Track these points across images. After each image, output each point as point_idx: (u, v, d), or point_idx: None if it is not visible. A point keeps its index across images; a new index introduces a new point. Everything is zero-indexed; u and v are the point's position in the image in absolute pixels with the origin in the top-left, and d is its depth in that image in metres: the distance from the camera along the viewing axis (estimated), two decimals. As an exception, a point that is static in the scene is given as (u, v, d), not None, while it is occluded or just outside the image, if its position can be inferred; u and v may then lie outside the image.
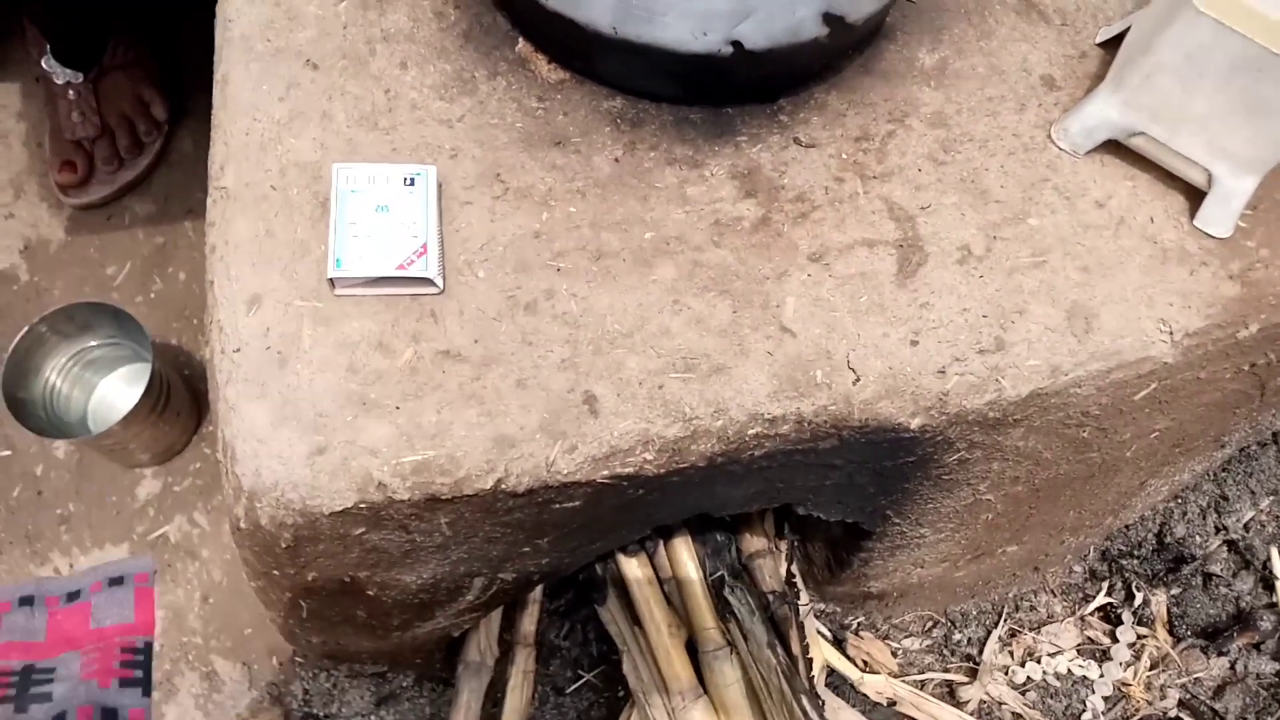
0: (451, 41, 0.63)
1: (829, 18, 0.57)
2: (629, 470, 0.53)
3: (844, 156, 0.62)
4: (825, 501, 0.65)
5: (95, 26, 0.98)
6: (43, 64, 1.02)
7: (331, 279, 0.53)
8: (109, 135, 1.04)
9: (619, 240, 0.58)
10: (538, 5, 0.58)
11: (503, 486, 0.51)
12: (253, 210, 0.57)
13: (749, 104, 0.63)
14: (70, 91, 1.03)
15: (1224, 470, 0.95)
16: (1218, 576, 0.94)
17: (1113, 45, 0.68)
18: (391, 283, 0.54)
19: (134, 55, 1.05)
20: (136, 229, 1.06)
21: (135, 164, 1.06)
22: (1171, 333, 0.59)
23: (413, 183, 0.55)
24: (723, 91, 0.62)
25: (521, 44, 0.63)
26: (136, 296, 1.03)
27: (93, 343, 0.92)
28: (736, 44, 0.56)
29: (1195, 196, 0.63)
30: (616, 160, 0.60)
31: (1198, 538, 0.93)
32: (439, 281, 0.54)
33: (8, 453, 0.96)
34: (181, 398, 0.93)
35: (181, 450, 0.96)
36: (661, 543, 0.84)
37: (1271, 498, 0.95)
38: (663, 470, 0.53)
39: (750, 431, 0.54)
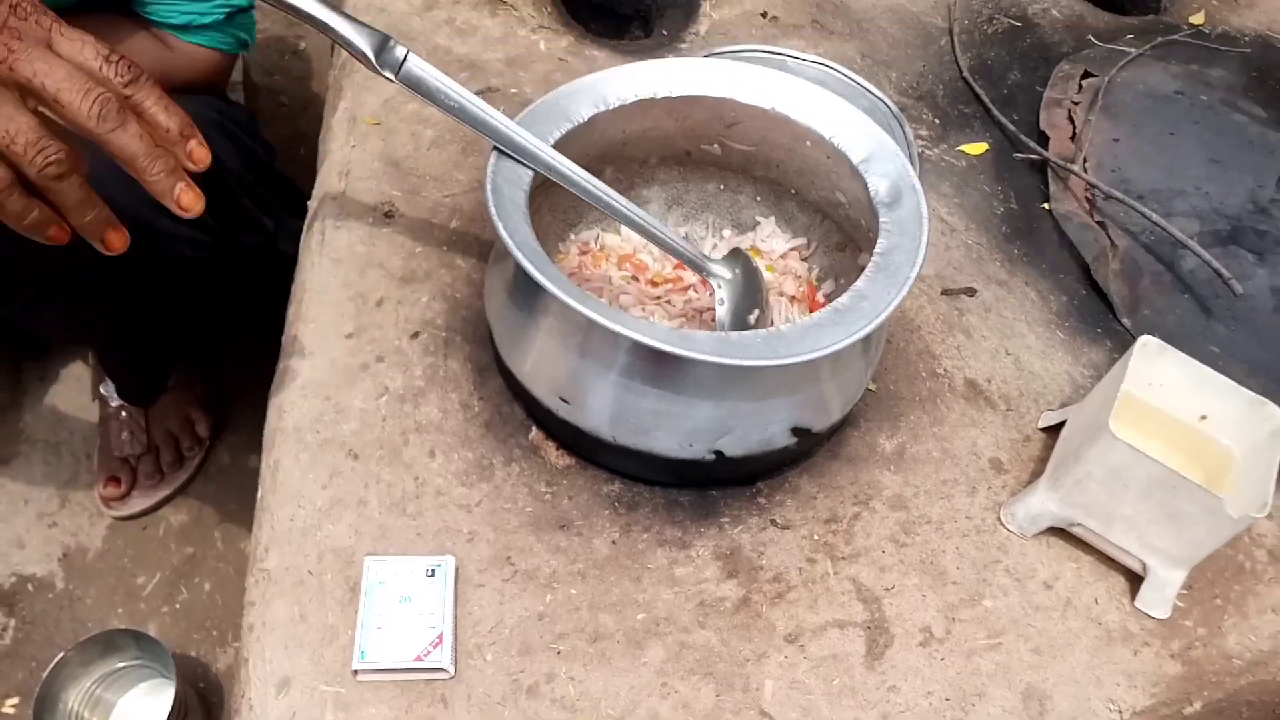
0: (474, 430, 0.73)
1: (797, 430, 0.66)
2: None
3: (815, 538, 0.70)
4: None
5: (158, 369, 1.11)
6: (101, 389, 1.14)
7: (356, 668, 0.59)
8: (154, 452, 1.14)
9: (614, 621, 0.65)
10: (542, 406, 0.68)
11: None
12: (290, 594, 0.64)
13: (731, 487, 0.72)
14: (123, 413, 1.14)
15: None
16: None
17: (1054, 431, 0.78)
18: (409, 669, 0.60)
19: (185, 379, 1.17)
20: (169, 539, 1.14)
21: (176, 478, 1.15)
22: (1120, 712, 0.64)
23: (433, 573, 0.63)
24: (707, 481, 0.71)
25: (534, 432, 0.73)
26: (162, 607, 1.09)
27: (118, 664, 0.97)
28: (718, 452, 0.65)
29: (1134, 577, 0.70)
30: (614, 542, 0.68)
31: None
32: (451, 669, 0.60)
33: (19, 768, 0.98)
34: (196, 715, 0.97)
35: (188, 768, 0.99)
36: None
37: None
38: None
39: (731, 820, 0.58)
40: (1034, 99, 1.07)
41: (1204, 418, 0.71)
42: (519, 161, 0.68)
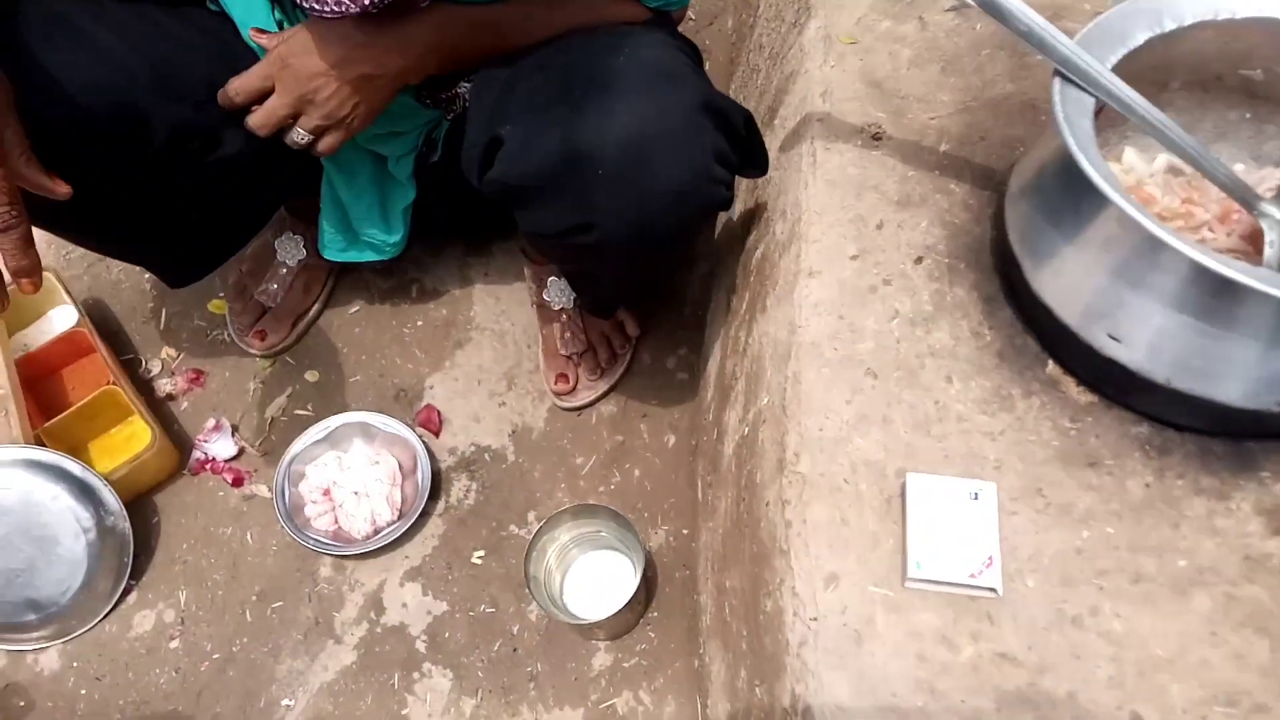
0: (988, 360, 0.74)
1: (1385, 387, 0.61)
2: (1175, 795, 0.58)
3: (1376, 502, 0.65)
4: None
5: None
6: (543, 295, 1.27)
7: (912, 577, 0.63)
8: (592, 351, 1.25)
9: (1154, 565, 0.64)
10: (1082, 343, 0.68)
11: (1057, 791, 0.58)
12: (828, 499, 0.69)
13: (1270, 440, 0.68)
14: (563, 315, 1.26)
15: None
16: None
17: None
18: (961, 585, 0.63)
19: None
20: (601, 427, 1.26)
21: (611, 374, 1.26)
22: None
23: (977, 497, 0.65)
24: (1252, 434, 0.68)
25: (1051, 366, 0.73)
26: (599, 486, 1.21)
27: (586, 530, 1.10)
28: (1287, 405, 0.62)
29: None
30: (1147, 486, 0.67)
31: None
32: (999, 589, 0.63)
33: (492, 610, 1.15)
34: (643, 591, 1.08)
35: (630, 630, 1.11)
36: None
37: None
38: (1208, 801, 0.58)
39: (1300, 779, 0.57)
40: None
41: None
42: (1080, 87, 0.66)
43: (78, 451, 1.22)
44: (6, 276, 0.77)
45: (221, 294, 1.38)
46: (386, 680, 1.11)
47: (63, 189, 0.79)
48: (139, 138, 0.89)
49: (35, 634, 1.16)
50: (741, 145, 0.87)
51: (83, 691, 1.14)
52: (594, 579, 1.11)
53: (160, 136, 0.90)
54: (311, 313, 1.36)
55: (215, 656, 1.15)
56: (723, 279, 1.14)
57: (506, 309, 1.37)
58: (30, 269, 0.76)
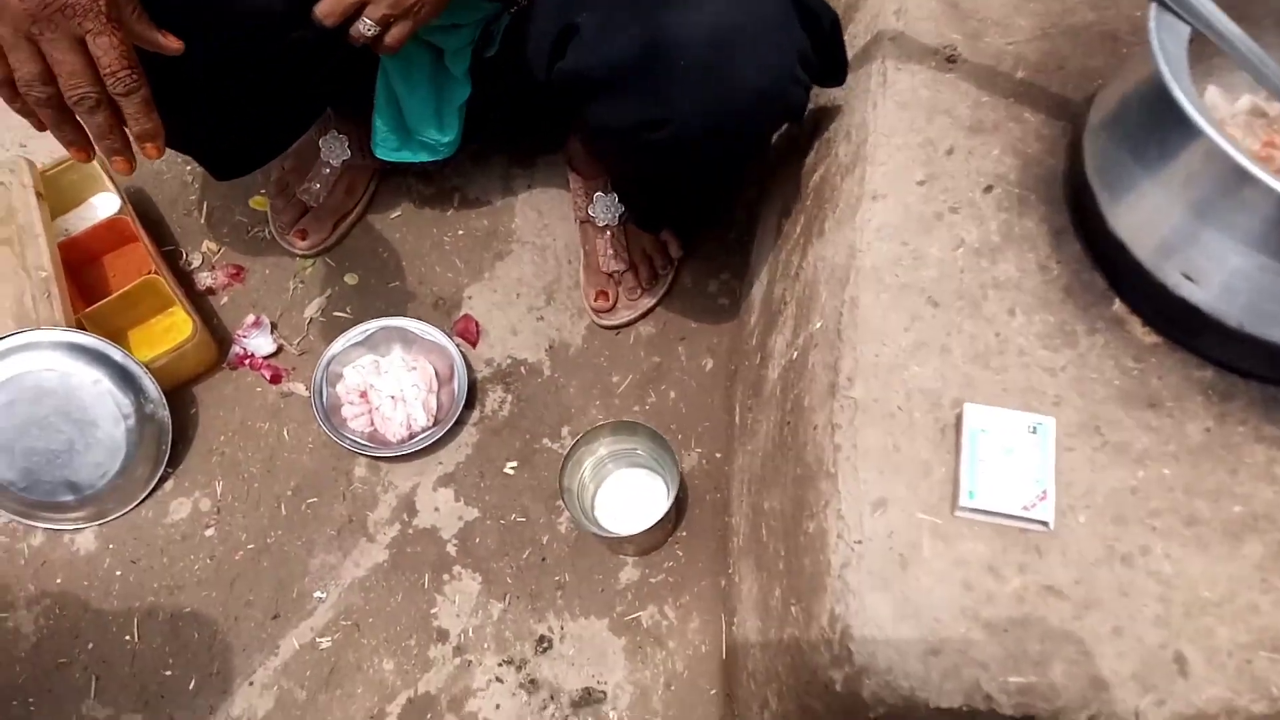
0: (1054, 295, 0.72)
1: None
2: (1212, 735, 0.58)
3: None
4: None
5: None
6: (588, 210, 1.25)
7: (963, 506, 0.63)
8: (634, 269, 1.24)
9: (1209, 509, 0.63)
10: (1154, 281, 0.66)
11: (1094, 723, 0.58)
12: (880, 424, 0.68)
13: (1339, 392, 0.67)
14: (608, 232, 1.24)
15: None
16: None
17: None
18: (1013, 516, 0.63)
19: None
20: (639, 347, 1.25)
21: (652, 294, 1.25)
22: None
23: (1035, 431, 0.64)
24: (1322, 383, 0.66)
25: (1118, 304, 0.71)
26: (634, 405, 1.21)
27: (621, 447, 1.10)
28: (1366, 355, 0.60)
29: None
30: (1207, 430, 0.66)
31: None
32: (1051, 523, 0.62)
33: (522, 520, 1.16)
34: (674, 511, 1.09)
35: (659, 547, 1.12)
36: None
37: None
38: (1244, 742, 0.58)
39: (1340, 726, 0.57)
40: None
41: None
42: (1176, 14, 0.63)
43: (117, 338, 1.22)
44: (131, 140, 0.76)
45: (263, 190, 1.38)
46: (417, 580, 1.13)
47: (174, 44, 0.77)
48: (213, 20, 0.87)
49: (72, 514, 1.19)
50: (824, 49, 0.84)
51: (118, 573, 1.17)
52: (626, 496, 1.12)
53: (232, 20, 0.88)
54: (353, 215, 1.35)
55: (250, 546, 1.17)
56: (774, 202, 1.12)
57: (549, 223, 1.36)
58: (154, 132, 0.74)
